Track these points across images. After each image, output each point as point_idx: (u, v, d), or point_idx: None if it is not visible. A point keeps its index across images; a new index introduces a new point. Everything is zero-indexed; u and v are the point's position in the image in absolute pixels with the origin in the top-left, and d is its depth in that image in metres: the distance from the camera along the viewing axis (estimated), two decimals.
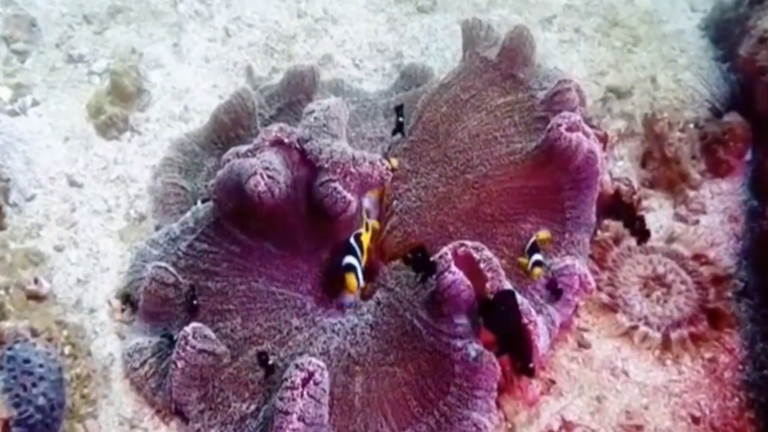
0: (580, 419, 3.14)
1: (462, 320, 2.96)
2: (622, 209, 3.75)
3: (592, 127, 3.56)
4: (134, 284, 3.36)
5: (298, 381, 2.74)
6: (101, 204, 3.77)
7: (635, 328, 3.40)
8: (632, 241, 3.66)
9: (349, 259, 3.15)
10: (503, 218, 3.37)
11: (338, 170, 3.13)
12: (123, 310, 3.38)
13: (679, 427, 3.15)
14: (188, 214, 3.40)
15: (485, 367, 2.91)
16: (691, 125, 4.08)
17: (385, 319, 3.14)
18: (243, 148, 3.25)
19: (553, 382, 3.24)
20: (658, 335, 3.37)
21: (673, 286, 3.51)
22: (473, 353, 2.91)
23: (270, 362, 3.03)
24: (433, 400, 2.96)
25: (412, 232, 3.46)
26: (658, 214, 3.85)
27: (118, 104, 4.12)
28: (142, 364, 3.13)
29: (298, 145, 3.21)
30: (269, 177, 3.08)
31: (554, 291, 3.19)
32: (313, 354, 3.09)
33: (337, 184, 3.12)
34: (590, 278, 3.23)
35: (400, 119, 3.74)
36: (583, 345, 3.37)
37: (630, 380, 3.27)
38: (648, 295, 3.49)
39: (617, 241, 3.64)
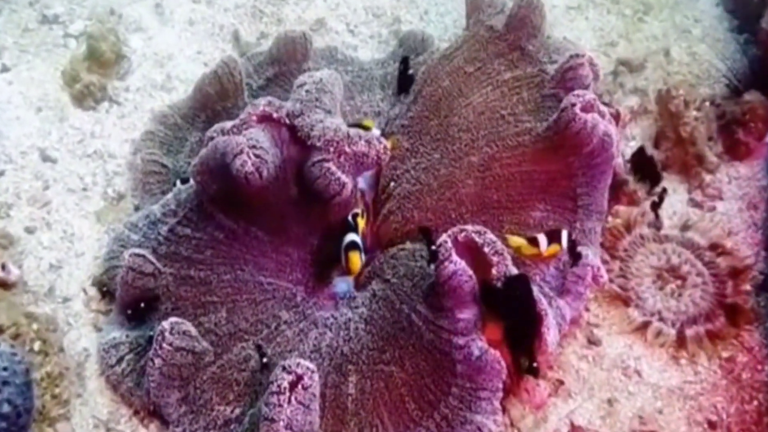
0: (590, 423, 2.91)
1: (464, 315, 2.69)
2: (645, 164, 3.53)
3: (604, 104, 3.29)
4: (111, 272, 3.10)
5: (285, 385, 2.49)
6: (76, 181, 3.49)
7: (648, 324, 3.15)
8: (645, 229, 3.41)
9: (352, 237, 2.94)
10: (510, 205, 3.11)
11: (332, 149, 2.87)
12: (100, 299, 3.11)
13: None
14: (170, 195, 3.14)
15: (490, 366, 2.66)
16: (707, 103, 3.80)
17: (381, 313, 2.89)
18: (228, 124, 2.99)
19: (561, 382, 3.00)
20: (672, 332, 3.13)
21: (688, 279, 3.27)
22: (476, 351, 2.66)
23: (265, 360, 2.80)
24: (433, 402, 2.72)
25: (411, 218, 3.20)
26: (672, 199, 3.58)
27: (96, 71, 3.82)
28: (119, 361, 2.87)
29: (287, 121, 2.96)
30: (256, 156, 2.82)
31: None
32: (303, 352, 2.85)
33: (330, 165, 2.86)
34: (602, 271, 2.98)
35: (409, 72, 3.46)
36: (593, 342, 3.12)
37: (643, 381, 3.04)
38: (662, 288, 3.25)
39: (629, 228, 3.39)
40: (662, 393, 3.01)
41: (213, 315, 2.93)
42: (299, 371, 2.52)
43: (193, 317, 2.91)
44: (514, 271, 2.69)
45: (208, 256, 3.01)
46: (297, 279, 3.08)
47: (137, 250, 2.93)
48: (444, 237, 2.69)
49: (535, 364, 2.74)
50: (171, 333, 2.69)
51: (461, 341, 2.69)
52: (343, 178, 2.86)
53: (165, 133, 3.58)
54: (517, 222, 3.08)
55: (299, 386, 2.50)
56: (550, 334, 2.70)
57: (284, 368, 2.53)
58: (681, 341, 3.12)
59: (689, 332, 3.13)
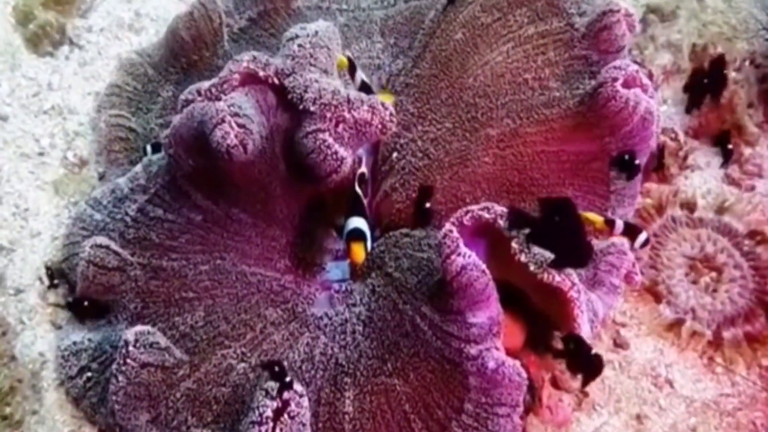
0: None
1: (477, 318, 2.26)
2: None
3: (634, 62, 2.82)
4: (72, 260, 2.63)
5: (269, 414, 2.09)
6: (31, 144, 3.02)
7: (682, 322, 2.76)
8: (677, 210, 2.97)
9: (356, 223, 2.48)
10: (534, 190, 2.65)
11: (328, 115, 2.41)
12: (56, 286, 2.65)
13: None
14: (138, 167, 2.67)
15: (508, 379, 2.24)
16: (747, 63, 3.32)
17: (381, 314, 2.44)
18: (205, 85, 2.51)
19: (585, 393, 2.60)
20: (707, 333, 2.74)
21: (724, 271, 2.85)
22: (492, 363, 2.24)
23: (288, 378, 2.25)
24: (443, 421, 2.30)
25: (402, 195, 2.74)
26: (705, 174, 3.13)
27: (53, 8, 3.31)
28: (80, 372, 2.45)
29: (276, 81, 2.48)
30: (240, 126, 2.37)
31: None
32: (293, 361, 2.42)
33: (326, 136, 2.40)
34: (637, 267, 2.55)
35: None
36: (619, 344, 2.72)
37: (675, 393, 2.65)
38: (695, 282, 2.84)
39: (660, 209, 2.95)
40: (696, 408, 2.62)
41: (189, 315, 2.49)
42: (285, 396, 2.12)
43: (166, 318, 2.49)
44: (535, 248, 2.26)
45: (182, 242, 2.57)
46: (285, 267, 2.64)
47: (99, 240, 2.47)
48: (447, 226, 2.25)
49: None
50: (136, 346, 2.25)
51: (473, 351, 2.26)
52: (342, 152, 2.41)
53: (133, 87, 3.07)
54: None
55: (285, 415, 2.11)
56: (583, 319, 2.28)
57: (267, 393, 2.11)
58: (717, 345, 2.73)
59: (726, 335, 2.73)
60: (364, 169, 2.64)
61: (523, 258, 2.22)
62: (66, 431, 2.40)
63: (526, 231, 2.29)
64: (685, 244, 2.91)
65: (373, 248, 2.64)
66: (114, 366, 2.26)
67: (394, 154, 2.83)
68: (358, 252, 2.46)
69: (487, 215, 2.25)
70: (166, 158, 2.55)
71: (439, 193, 2.71)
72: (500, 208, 2.27)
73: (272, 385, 2.12)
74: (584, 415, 2.58)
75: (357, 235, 2.47)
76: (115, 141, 2.92)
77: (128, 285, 2.49)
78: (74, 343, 2.47)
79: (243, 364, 2.40)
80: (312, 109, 2.41)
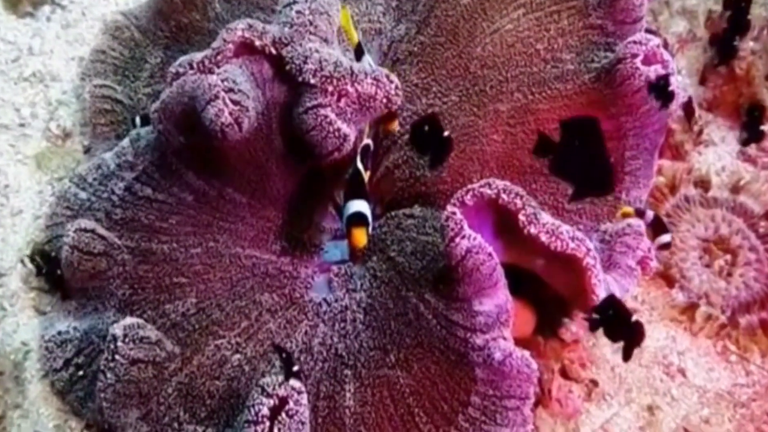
0: None
1: (484, 306, 2.10)
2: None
3: (649, 32, 2.62)
4: (55, 241, 2.45)
5: (265, 412, 1.92)
6: (11, 114, 2.80)
7: (695, 307, 2.61)
8: (691, 189, 2.81)
9: (358, 206, 2.25)
10: (546, 170, 2.44)
11: (330, 89, 2.21)
12: (42, 272, 2.45)
13: None
14: (125, 141, 2.47)
15: (516, 370, 2.09)
16: (765, 32, 3.12)
17: (383, 301, 2.28)
18: (197, 57, 2.29)
19: (595, 383, 2.47)
20: (722, 319, 2.59)
21: (739, 254, 2.70)
22: (498, 355, 2.08)
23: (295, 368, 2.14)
24: (449, 415, 2.14)
25: (421, 176, 2.55)
26: (719, 150, 2.97)
27: None
28: (66, 364, 2.28)
29: (273, 51, 2.27)
30: (235, 103, 2.17)
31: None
32: (291, 351, 2.26)
33: (328, 112, 2.20)
34: (653, 252, 2.39)
35: None
36: None
37: (688, 382, 2.51)
38: (709, 265, 2.69)
39: (673, 188, 2.79)
40: (709, 398, 2.49)
41: (180, 302, 2.32)
42: (282, 393, 1.95)
43: (156, 305, 2.32)
44: (544, 214, 2.09)
45: (173, 224, 2.39)
46: (281, 249, 2.47)
47: (84, 223, 2.28)
48: (449, 207, 2.07)
49: None
50: (125, 341, 2.08)
51: (479, 341, 2.10)
52: (344, 128, 2.22)
53: (119, 52, 2.84)
54: (552, 192, 2.46)
55: (283, 414, 1.93)
56: (601, 287, 2.11)
57: (263, 390, 1.95)
58: (731, 332, 2.59)
59: (741, 322, 2.59)
60: (368, 141, 2.45)
61: (532, 230, 2.05)
62: (51, 425, 2.23)
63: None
64: (698, 225, 2.75)
65: (374, 229, 2.48)
66: (102, 362, 2.09)
67: (396, 126, 2.65)
68: (360, 237, 2.26)
69: (489, 191, 2.07)
70: (155, 133, 2.36)
71: (446, 172, 2.53)
72: (502, 183, 2.09)
73: (268, 382, 1.97)
74: (594, 406, 2.44)
75: (358, 219, 2.27)
76: (101, 114, 2.69)
77: (116, 270, 2.31)
78: (59, 333, 2.29)
79: (238, 356, 2.24)
80: (312, 81, 2.21)
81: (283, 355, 2.15)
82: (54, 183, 2.63)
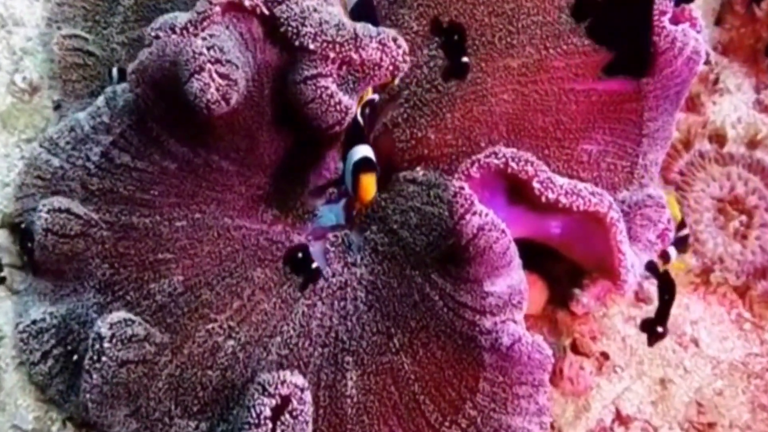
0: (639, 411, 2.25)
1: (495, 287, 1.91)
2: None
3: None
4: (27, 216, 2.17)
5: (267, 413, 1.75)
6: None
7: (709, 272, 2.42)
8: (706, 144, 2.58)
9: (363, 151, 1.99)
10: (560, 135, 2.22)
11: (332, 56, 1.94)
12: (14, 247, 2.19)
13: (759, 420, 2.29)
14: (100, 99, 2.18)
15: (527, 356, 1.91)
16: None
17: (386, 280, 2.08)
18: (180, 20, 1.98)
19: (606, 356, 2.29)
20: (737, 284, 2.41)
21: (755, 215, 2.50)
22: (506, 339, 1.90)
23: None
24: (456, 402, 1.98)
25: (424, 138, 2.29)
26: (735, 98, 2.73)
27: None
28: (44, 357, 2.05)
29: (265, 10, 1.97)
30: (222, 76, 1.90)
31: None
32: (288, 337, 2.05)
33: (329, 83, 1.94)
34: (672, 224, 2.18)
35: None
36: (641, 299, 2.39)
37: (701, 353, 2.35)
38: (723, 227, 2.49)
39: (688, 144, 2.56)
40: (723, 369, 2.34)
41: (165, 280, 2.09)
42: (284, 391, 1.77)
43: (139, 285, 2.08)
44: (558, 177, 1.89)
45: (155, 195, 2.13)
46: (273, 217, 2.23)
47: (58, 202, 2.01)
48: (455, 182, 1.85)
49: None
50: (112, 341, 1.85)
51: (488, 323, 1.92)
52: (346, 100, 1.95)
53: None
54: (567, 158, 2.22)
55: (286, 414, 1.76)
56: (626, 245, 1.95)
57: (263, 389, 1.76)
58: (747, 299, 2.41)
59: (757, 288, 2.41)
60: (375, 95, 2.17)
61: (550, 195, 1.86)
62: (31, 418, 2.02)
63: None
64: (713, 184, 2.54)
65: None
66: (86, 361, 1.86)
67: (396, 80, 2.37)
68: (369, 185, 1.97)
69: (496, 161, 1.85)
70: (133, 95, 2.07)
71: (451, 134, 2.27)
72: (509, 150, 1.87)
73: (269, 380, 1.77)
74: (605, 380, 2.28)
75: (366, 165, 1.98)
76: (71, 68, 2.39)
77: (94, 249, 2.06)
78: (34, 321, 2.04)
79: (231, 342, 2.03)
80: (311, 47, 1.93)
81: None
82: (22, 145, 2.36)
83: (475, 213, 1.82)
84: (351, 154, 1.99)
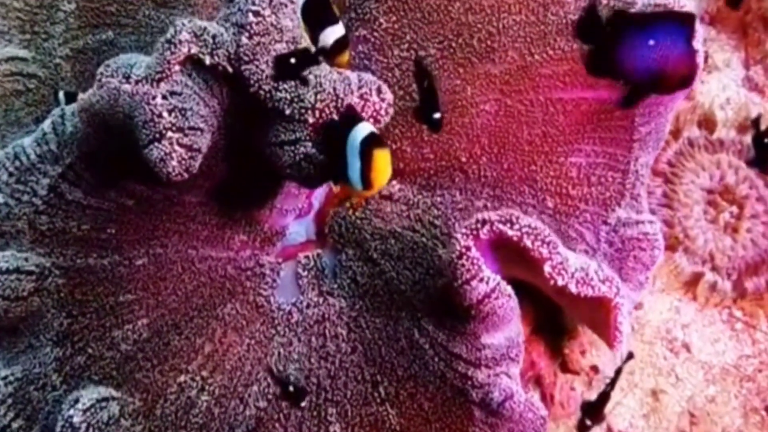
0: (631, 426, 2.12)
1: (492, 339, 1.75)
2: None
3: None
4: None
5: None
6: None
7: (700, 276, 2.24)
8: (695, 130, 2.36)
9: (367, 127, 1.61)
10: (547, 148, 1.98)
11: (311, 120, 1.66)
12: None
13: (752, 424, 2.16)
14: (47, 123, 1.87)
15: (518, 414, 1.75)
16: None
17: (369, 318, 1.89)
18: (135, 72, 1.68)
19: (595, 370, 2.13)
20: (728, 286, 2.24)
21: (746, 205, 2.31)
22: (497, 395, 1.74)
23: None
24: None
25: (398, 149, 2.04)
26: (722, 76, 2.48)
27: None
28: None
29: (230, 69, 1.68)
30: (185, 147, 1.62)
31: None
32: (264, 387, 1.85)
33: (308, 148, 1.67)
34: (660, 242, 1.96)
35: None
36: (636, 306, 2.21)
37: (692, 358, 2.20)
38: (714, 221, 2.30)
39: (677, 132, 2.34)
40: (715, 374, 2.20)
41: (129, 326, 1.86)
42: None
43: (101, 333, 1.86)
44: (571, 258, 1.69)
45: (112, 233, 1.88)
46: (241, 243, 2.01)
47: (4, 261, 1.74)
48: (461, 240, 1.64)
49: None
50: (88, 425, 1.64)
51: (481, 376, 1.76)
52: (325, 160, 1.68)
53: (23, 1, 2.16)
54: (555, 174, 1.98)
55: None
56: (625, 324, 1.77)
57: None
58: (739, 297, 2.25)
59: (748, 285, 2.25)
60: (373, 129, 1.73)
61: (560, 281, 1.65)
62: None
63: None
64: (703, 174, 2.33)
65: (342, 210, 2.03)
66: None
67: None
68: (384, 163, 1.56)
69: (510, 232, 1.63)
70: (82, 133, 1.80)
71: (428, 148, 2.03)
72: (526, 220, 1.65)
73: None
74: (594, 395, 2.12)
75: (375, 141, 1.58)
76: (12, 96, 2.08)
77: (49, 301, 1.81)
78: None
79: (204, 396, 1.83)
80: (287, 113, 1.65)
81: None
82: None
83: (482, 280, 1.64)
84: (354, 133, 1.61)
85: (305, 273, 2.00)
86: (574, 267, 1.65)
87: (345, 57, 1.92)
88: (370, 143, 1.57)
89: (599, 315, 1.74)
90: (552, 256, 1.65)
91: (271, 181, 1.99)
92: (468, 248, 1.64)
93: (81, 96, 1.78)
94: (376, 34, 2.11)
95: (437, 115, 1.79)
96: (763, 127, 2.09)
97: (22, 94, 2.11)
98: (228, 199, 1.96)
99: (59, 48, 2.14)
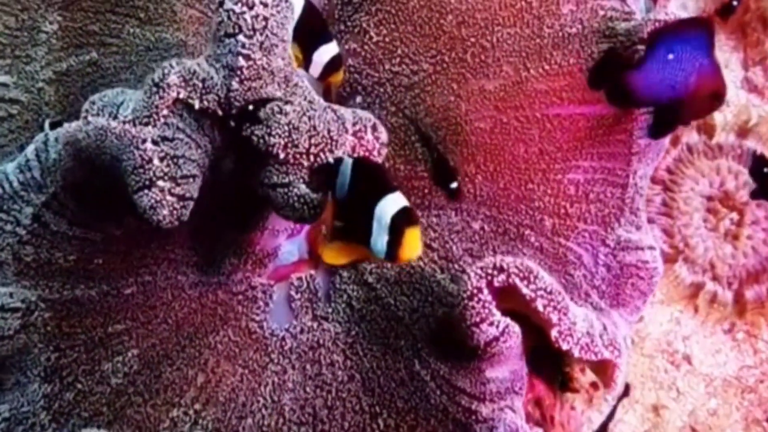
0: None
1: (497, 373, 1.70)
2: None
3: None
4: None
5: None
6: None
7: (700, 286, 2.18)
8: (694, 136, 2.28)
9: (398, 200, 1.48)
10: (544, 165, 1.91)
11: (305, 163, 1.60)
12: None
13: None
14: (30, 150, 1.77)
15: None
16: None
17: (367, 346, 1.83)
18: (122, 113, 1.61)
19: (595, 387, 2.07)
20: (729, 296, 2.18)
21: (746, 212, 2.24)
22: (502, 430, 1.69)
23: None
24: None
25: (391, 167, 1.97)
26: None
27: None
28: None
29: (220, 112, 1.60)
30: (176, 196, 1.55)
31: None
32: (261, 417, 1.79)
33: (302, 189, 1.60)
34: (658, 262, 1.90)
35: None
36: None
37: (694, 371, 2.16)
38: (714, 228, 2.23)
39: (675, 139, 2.27)
40: (716, 387, 2.16)
41: (119, 357, 1.80)
42: None
43: (91, 366, 1.79)
44: (579, 322, 1.64)
45: (99, 264, 1.80)
46: (232, 266, 1.93)
47: None
48: (473, 280, 1.59)
49: None
50: None
51: (485, 411, 1.71)
52: (318, 198, 1.61)
53: (3, 22, 2.03)
54: (553, 192, 1.91)
55: None
56: (621, 377, 1.75)
57: None
58: (741, 309, 2.19)
59: (749, 294, 2.19)
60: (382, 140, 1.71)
61: (564, 346, 1.62)
62: None
63: None
64: (703, 181, 2.27)
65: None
66: None
67: (357, 99, 2.04)
68: (415, 242, 1.47)
69: (525, 290, 1.58)
70: (67, 166, 1.71)
71: (421, 166, 1.95)
72: (544, 281, 1.60)
73: None
74: (595, 412, 2.08)
75: (409, 217, 1.47)
76: None
77: (36, 336, 1.73)
78: None
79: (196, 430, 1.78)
80: (281, 156, 1.58)
81: None
82: None
83: (492, 324, 1.59)
84: (382, 206, 1.49)
85: (298, 296, 1.94)
86: (580, 333, 1.62)
87: (339, 76, 1.88)
88: (403, 219, 1.47)
89: (600, 368, 1.72)
90: (561, 322, 1.62)
91: (261, 203, 1.93)
92: (480, 290, 1.60)
93: (66, 126, 1.71)
94: (366, 47, 2.04)
95: (454, 185, 1.81)
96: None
97: (5, 121, 2.02)
98: (218, 223, 1.89)
99: (42, 71, 2.04)
